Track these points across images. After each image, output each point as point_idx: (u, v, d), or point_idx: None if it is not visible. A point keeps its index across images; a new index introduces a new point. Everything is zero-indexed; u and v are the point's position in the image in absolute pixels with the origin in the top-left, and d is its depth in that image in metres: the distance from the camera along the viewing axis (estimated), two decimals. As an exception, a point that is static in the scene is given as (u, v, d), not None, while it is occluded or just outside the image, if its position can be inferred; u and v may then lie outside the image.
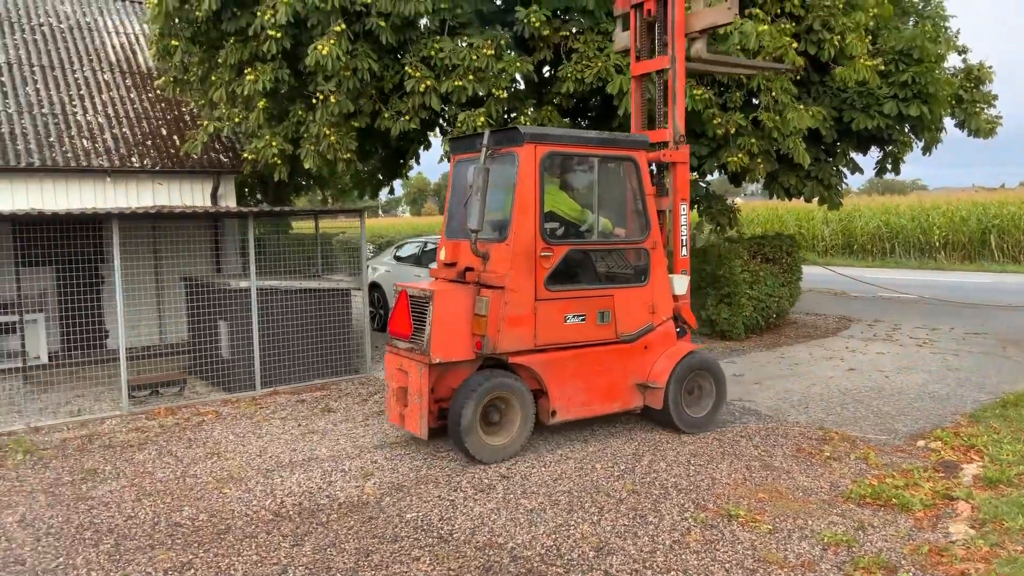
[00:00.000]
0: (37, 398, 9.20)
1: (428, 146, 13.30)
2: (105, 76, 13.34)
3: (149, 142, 12.54)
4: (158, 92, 13.42)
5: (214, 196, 12.86)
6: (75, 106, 12.47)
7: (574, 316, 6.74)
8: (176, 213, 9.63)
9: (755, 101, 10.66)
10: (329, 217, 14.01)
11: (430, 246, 13.70)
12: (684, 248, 7.64)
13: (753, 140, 10.60)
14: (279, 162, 10.83)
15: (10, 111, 11.82)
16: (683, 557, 4.74)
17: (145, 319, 11.79)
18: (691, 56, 7.72)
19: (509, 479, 6.09)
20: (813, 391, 8.73)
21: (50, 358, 10.95)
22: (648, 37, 8.06)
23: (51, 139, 11.73)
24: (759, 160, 10.82)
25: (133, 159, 12.10)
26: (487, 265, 6.51)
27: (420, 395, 6.46)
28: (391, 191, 16.41)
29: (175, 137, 12.87)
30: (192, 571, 4.65)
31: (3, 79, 12.29)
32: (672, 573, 4.55)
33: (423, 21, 10.20)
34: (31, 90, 12.33)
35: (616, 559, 4.71)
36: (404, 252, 14.40)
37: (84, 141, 11.96)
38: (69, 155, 11.62)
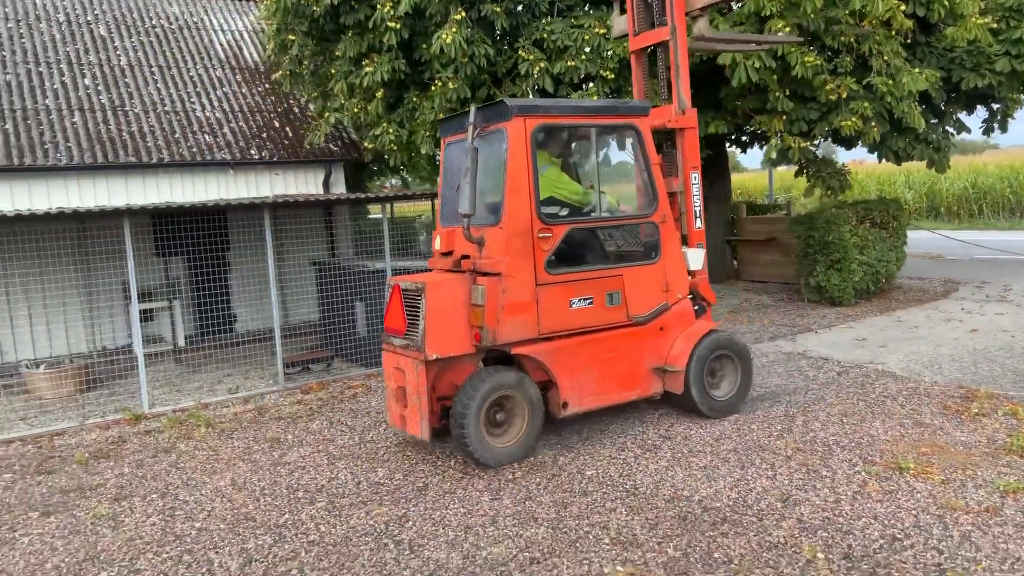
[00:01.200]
0: (190, 378, 9.85)
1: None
2: (216, 73, 13.97)
3: (264, 135, 13.13)
4: (267, 86, 14.02)
5: (326, 184, 13.41)
6: (193, 103, 13.11)
7: (580, 300, 6.28)
8: (304, 201, 10.14)
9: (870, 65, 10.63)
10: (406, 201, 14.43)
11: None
12: (698, 220, 7.13)
13: (866, 104, 10.61)
14: (395, 148, 11.27)
15: (136, 110, 12.52)
16: (868, 506, 4.99)
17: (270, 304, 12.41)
18: (693, 35, 7.32)
19: (671, 439, 6.41)
20: (942, 352, 8.80)
21: (186, 342, 11.66)
22: (647, 17, 7.43)
23: (176, 135, 12.39)
24: (872, 124, 10.82)
25: (252, 151, 12.70)
26: (483, 251, 6.10)
27: (419, 395, 6.02)
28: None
29: (287, 129, 13.44)
30: (409, 522, 5.10)
31: (127, 80, 13.01)
32: (863, 519, 4.80)
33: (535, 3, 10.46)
34: (152, 89, 13.02)
35: (805, 508, 4.99)
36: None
37: (206, 136, 12.60)
38: (194, 150, 12.27)
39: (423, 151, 10.97)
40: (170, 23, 14.62)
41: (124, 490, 6.03)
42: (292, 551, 4.81)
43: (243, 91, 13.81)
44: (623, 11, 7.80)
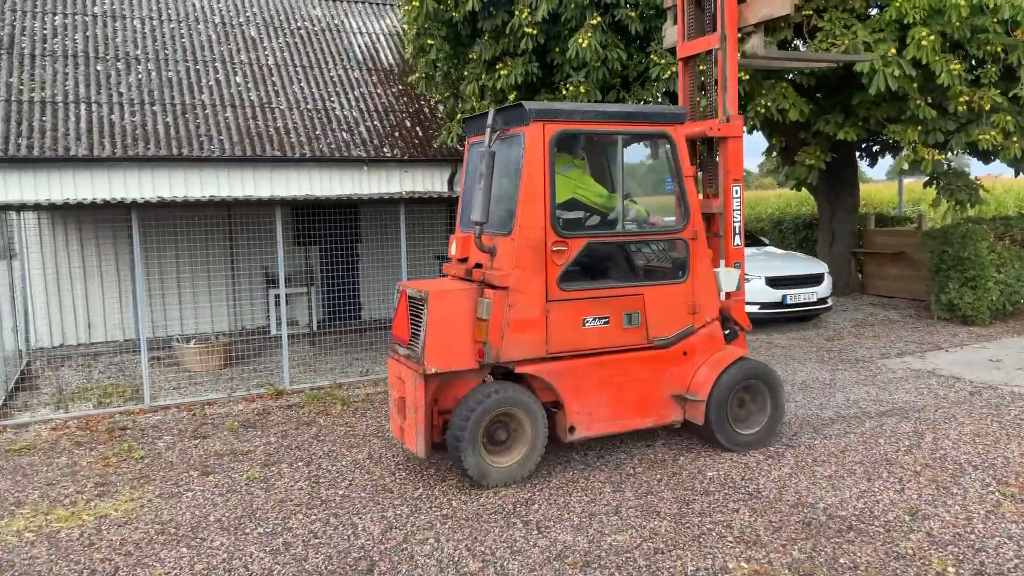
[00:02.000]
0: (323, 360, 10.48)
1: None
2: (354, 74, 14.72)
3: (396, 134, 13.76)
4: (400, 87, 14.66)
5: (450, 182, 13.91)
6: (332, 102, 13.88)
7: (595, 319, 5.90)
8: (432, 197, 10.59)
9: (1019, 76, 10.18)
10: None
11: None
12: (737, 236, 6.58)
13: (1008, 117, 10.16)
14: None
15: (282, 107, 13.37)
16: (1003, 526, 4.89)
17: (394, 294, 13.02)
18: (746, 52, 6.86)
19: (795, 448, 6.41)
20: (1088, 379, 8.36)
21: (317, 326, 12.37)
22: (697, 25, 7.02)
23: (316, 132, 13.16)
24: (1015, 139, 10.34)
25: (385, 149, 13.33)
26: (494, 262, 5.79)
27: (416, 408, 5.75)
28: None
29: (417, 129, 14.02)
30: (535, 505, 5.35)
31: (274, 79, 13.90)
32: (996, 539, 4.72)
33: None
34: (296, 88, 13.86)
35: (934, 523, 4.94)
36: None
37: (343, 133, 13.32)
38: (333, 146, 13.00)
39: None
40: (313, 25, 15.50)
41: (272, 457, 6.57)
42: (428, 522, 5.15)
43: (378, 91, 14.49)
44: (676, 21, 7.33)
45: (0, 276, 9.86)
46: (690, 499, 5.42)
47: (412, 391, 5.79)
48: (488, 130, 5.77)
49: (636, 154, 6.55)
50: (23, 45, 12.92)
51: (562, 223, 5.86)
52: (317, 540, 4.93)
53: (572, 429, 5.91)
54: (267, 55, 14.38)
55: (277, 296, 12.34)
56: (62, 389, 8.93)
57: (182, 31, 14.23)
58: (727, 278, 6.46)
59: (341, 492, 5.71)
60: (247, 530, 5.10)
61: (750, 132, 12.37)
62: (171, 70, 13.38)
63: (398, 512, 5.32)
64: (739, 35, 6.69)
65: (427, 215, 13.62)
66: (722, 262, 6.64)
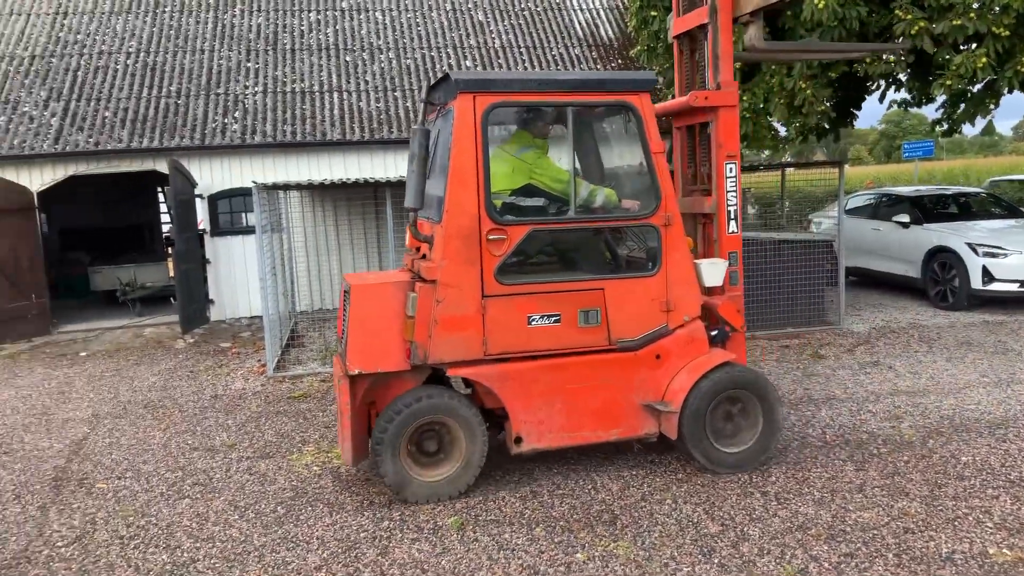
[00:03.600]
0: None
1: (900, 87, 12.67)
2: (574, 51, 15.01)
3: (617, 107, 13.90)
4: (620, 62, 14.76)
5: (668, 157, 13.83)
6: (555, 79, 14.28)
7: (543, 317, 5.17)
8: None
9: None
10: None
11: (885, 199, 13.22)
12: (732, 222, 5.71)
13: None
14: (747, 116, 11.32)
15: (508, 87, 13.96)
16: None
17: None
18: (744, 45, 6.16)
19: (1064, 436, 5.88)
20: None
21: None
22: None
23: (540, 109, 13.62)
24: None
25: (606, 123, 13.54)
26: (430, 252, 5.19)
27: (341, 412, 5.29)
28: (836, 139, 15.98)
29: (638, 101, 14.07)
30: (773, 477, 5.37)
31: (500, 61, 14.54)
32: None
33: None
34: (520, 69, 14.40)
35: None
36: (854, 204, 14.02)
37: (566, 109, 13.68)
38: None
39: (776, 116, 10.90)
40: (536, 6, 15.98)
41: (511, 415, 7.05)
42: (664, 484, 5.35)
43: (597, 67, 14.69)
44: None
45: (274, 247, 11.27)
46: (942, 483, 5.18)
47: (338, 393, 5.38)
48: (423, 106, 5.35)
49: (588, 131, 5.78)
50: (284, 41, 14.51)
51: (501, 209, 5.18)
52: (560, 491, 5.30)
53: (519, 440, 5.27)
54: (494, 38, 15.05)
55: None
56: (327, 346, 10.09)
57: (418, 20, 15.26)
58: (710, 271, 5.59)
59: (577, 451, 6.06)
60: (497, 476, 5.58)
61: (1009, 91, 11.16)
62: (408, 58, 14.42)
63: (634, 473, 5.56)
64: (735, 24, 5.94)
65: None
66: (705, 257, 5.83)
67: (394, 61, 14.32)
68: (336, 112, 13.17)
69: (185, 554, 4.64)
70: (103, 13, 14.58)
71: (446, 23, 15.30)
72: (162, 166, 11.78)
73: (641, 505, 5.05)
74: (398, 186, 9.80)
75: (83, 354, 10.63)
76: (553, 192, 5.40)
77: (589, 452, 5.93)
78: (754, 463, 5.49)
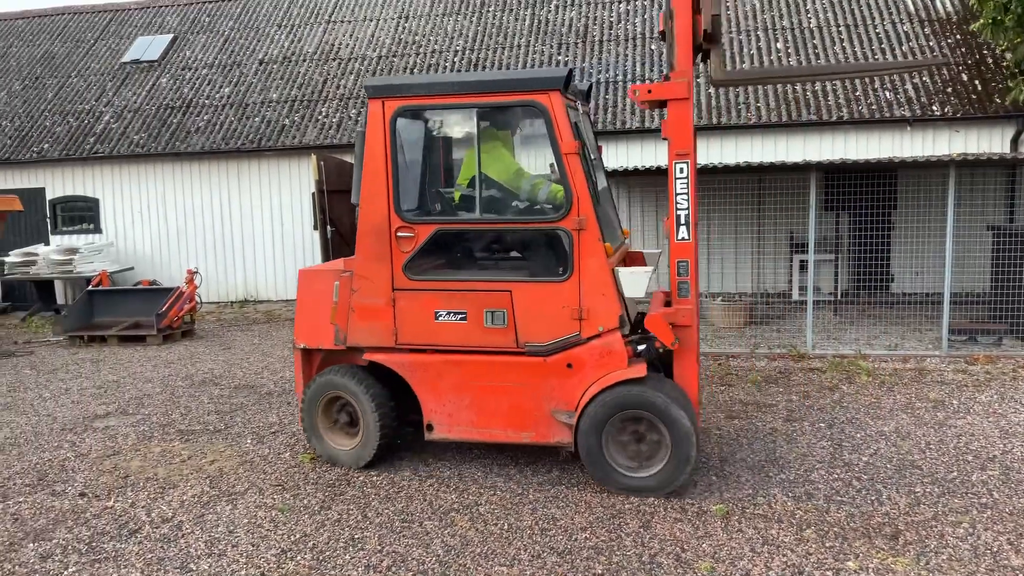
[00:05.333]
0: (846, 329, 10.23)
1: None
2: (903, 28, 13.65)
3: (949, 89, 12.43)
4: (958, 37, 13.16)
5: (1014, 142, 12.08)
6: (878, 59, 13.13)
7: (449, 313, 5.34)
8: (989, 160, 9.36)
9: None
10: None
11: None
12: (683, 228, 5.12)
13: None
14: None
15: (820, 71, 13.13)
16: None
17: (931, 267, 11.94)
18: (711, 78, 5.48)
19: None
20: None
21: (842, 294, 12.03)
22: None
23: (856, 93, 12.64)
24: None
25: (934, 107, 12.19)
26: None
27: (295, 382, 6.05)
28: None
29: (976, 83, 12.45)
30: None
31: (815, 41, 13.71)
32: None
33: None
34: (838, 48, 13.46)
35: None
36: None
37: (886, 92, 12.54)
38: (873, 107, 12.36)
39: None
40: (860, -19, 14.76)
41: (793, 414, 6.78)
42: (962, 507, 4.82)
43: (929, 44, 13.22)
44: None
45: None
46: None
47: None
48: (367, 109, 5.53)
49: (492, 133, 5.61)
50: (594, 33, 15.03)
51: (408, 207, 5.47)
52: (839, 497, 5.01)
53: (430, 427, 5.54)
54: (809, 17, 14.22)
55: (801, 261, 12.38)
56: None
57: (728, 4, 14.89)
58: (631, 281, 5.18)
59: (864, 459, 5.66)
60: (770, 473, 5.43)
61: None
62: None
63: (927, 491, 5.08)
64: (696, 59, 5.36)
65: (981, 180, 12.10)
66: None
67: (699, 47, 14.16)
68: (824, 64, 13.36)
69: (470, 497, 5.17)
70: (437, 15, 16.24)
71: (757, 4, 14.75)
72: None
73: (931, 524, 4.61)
74: (704, 173, 9.77)
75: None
76: (501, 183, 5.54)
77: (882, 461, 5.53)
78: (660, 491, 5.08)
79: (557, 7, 15.76)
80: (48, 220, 15.26)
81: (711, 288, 12.71)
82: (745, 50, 13.83)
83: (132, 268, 14.74)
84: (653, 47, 14.37)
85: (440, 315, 5.41)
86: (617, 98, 13.52)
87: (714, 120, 12.68)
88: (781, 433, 6.27)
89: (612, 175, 11.49)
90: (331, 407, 5.85)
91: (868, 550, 4.33)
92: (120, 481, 5.68)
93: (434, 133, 6.02)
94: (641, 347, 5.19)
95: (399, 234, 5.40)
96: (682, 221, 5.16)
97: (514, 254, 5.80)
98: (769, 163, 10.29)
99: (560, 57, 14.62)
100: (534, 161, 6.30)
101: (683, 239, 5.18)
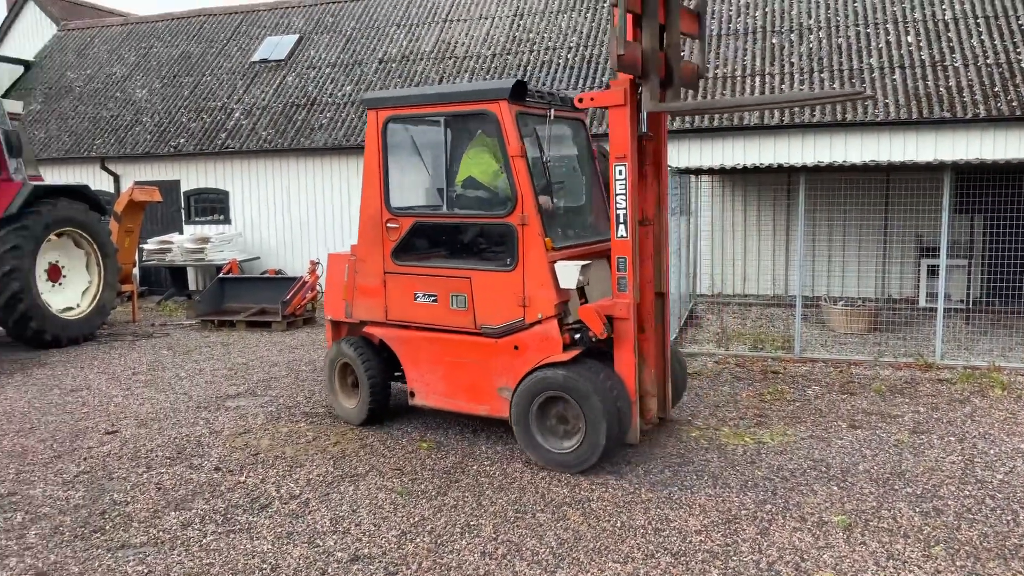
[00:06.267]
0: (978, 339, 9.66)
1: None
2: (1051, 18, 12.72)
3: (1103, 84, 11.51)
4: (1115, 27, 12.16)
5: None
6: (1020, 53, 12.30)
7: (424, 295, 6.19)
8: None
9: None
10: None
11: None
12: (621, 226, 5.47)
13: None
14: None
15: (956, 64, 12.42)
16: None
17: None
18: (648, 107, 5.54)
19: None
20: None
21: (974, 302, 11.35)
22: None
23: (995, 89, 11.88)
24: None
25: (1084, 104, 11.31)
26: None
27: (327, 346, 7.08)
28: None
29: None
30: None
31: (950, 34, 12.97)
32: None
33: None
34: (975, 42, 12.68)
35: None
36: None
37: (1030, 88, 11.73)
38: (1014, 103, 11.58)
39: None
40: (1003, -31, 13.85)
41: (921, 426, 6.47)
42: (1113, 534, 4.50)
43: (1082, 36, 12.28)
44: None
45: (680, 230, 11.66)
46: None
47: None
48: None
49: (461, 136, 6.47)
50: (711, 28, 14.71)
51: (396, 202, 6.30)
52: (971, 515, 4.77)
53: (412, 394, 6.40)
54: (943, 9, 13.46)
55: (930, 266, 11.75)
56: (724, 330, 10.21)
57: (853, -4, 14.29)
58: (564, 273, 5.56)
59: (999, 476, 5.35)
60: (896, 487, 5.21)
61: None
62: (841, 36, 13.63)
63: (1072, 513, 4.76)
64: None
65: None
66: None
67: (824, 41, 13.65)
68: (756, 96, 13.04)
69: (582, 492, 5.21)
70: (552, 12, 16.30)
71: (887, -3, 14.08)
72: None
73: (1076, 550, 4.32)
74: (813, 171, 9.44)
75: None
76: (485, 183, 6.13)
77: (1019, 480, 5.23)
78: (577, 467, 5.49)
79: (674, 2, 15.50)
80: (183, 211, 16.27)
81: (831, 292, 12.25)
82: (873, 44, 13.24)
83: (258, 258, 15.53)
84: (774, 40, 13.96)
85: (418, 296, 6.23)
86: (735, 93, 13.21)
87: (839, 117, 12.21)
88: (907, 445, 6.01)
89: (719, 172, 11.25)
90: (344, 372, 6.82)
91: (1003, 572, 4.11)
92: (251, 458, 6.03)
93: (416, 138, 6.68)
94: (577, 335, 5.63)
95: (388, 225, 6.29)
96: (621, 220, 5.49)
97: (474, 246, 6.37)
98: (899, 162, 9.84)
99: (676, 53, 14.39)
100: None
101: (622, 236, 5.50)
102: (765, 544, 4.46)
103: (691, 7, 6.23)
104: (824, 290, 12.18)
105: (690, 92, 12.59)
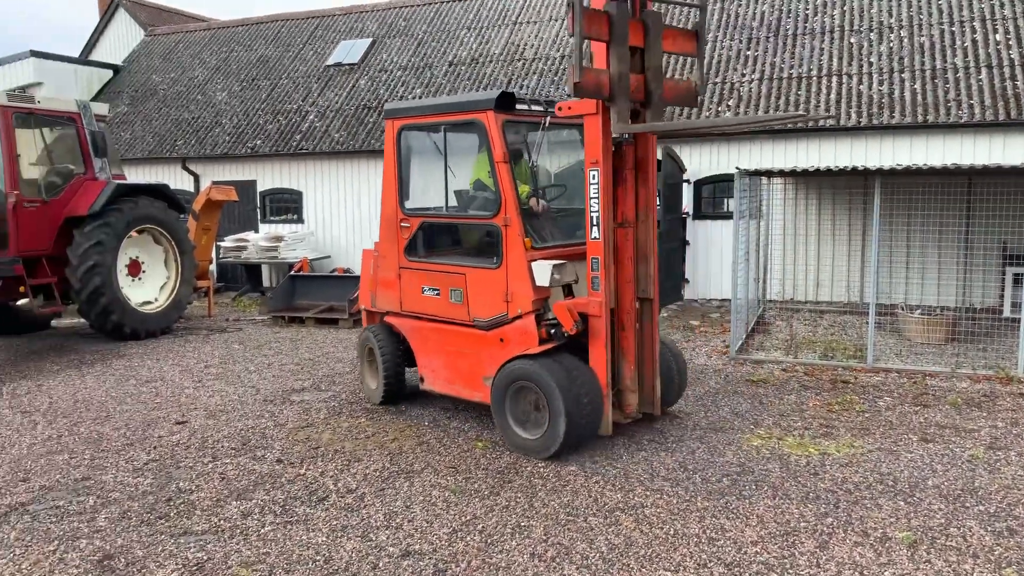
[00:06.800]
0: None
1: None
2: None
3: None
4: None
5: None
6: (1120, 50, 11.59)
7: (430, 289, 6.67)
8: None
9: None
10: None
11: None
12: (595, 228, 5.69)
13: None
14: None
15: (1049, 63, 11.78)
16: None
17: None
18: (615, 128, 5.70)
19: None
20: None
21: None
22: None
23: (1092, 88, 11.23)
24: None
25: None
26: None
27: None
28: None
29: None
30: None
31: (1043, 32, 12.32)
32: None
33: None
34: None
35: None
36: None
37: None
38: (1113, 104, 10.93)
39: None
40: (1103, -38, 13.08)
41: (998, 441, 6.16)
42: None
43: None
44: None
45: (750, 233, 11.40)
46: None
47: None
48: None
49: (460, 143, 6.89)
50: (787, 26, 14.36)
51: (407, 203, 6.91)
52: (1049, 538, 4.51)
53: (422, 379, 6.98)
54: (1036, 5, 12.80)
55: (1015, 275, 11.17)
56: (793, 337, 9.94)
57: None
58: (538, 272, 5.96)
59: None
60: (967, 504, 4.97)
61: None
62: (923, 35, 13.11)
63: None
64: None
65: None
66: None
67: (905, 40, 13.15)
68: (832, 96, 12.65)
69: (636, 498, 5.14)
70: (622, 13, 16.15)
71: (974, -7, 13.47)
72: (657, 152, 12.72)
73: None
74: (889, 175, 9.09)
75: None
76: (491, 186, 6.34)
77: (1099, 502, 4.92)
78: (542, 453, 5.79)
79: (748, 0, 15.20)
80: (258, 210, 16.77)
81: (908, 300, 11.79)
82: (958, 42, 12.68)
83: (328, 256, 15.88)
84: (852, 40, 13.52)
85: (425, 290, 6.76)
86: (810, 94, 12.85)
87: (919, 118, 11.74)
88: (982, 461, 5.72)
89: (792, 175, 10.95)
90: (371, 355, 7.38)
91: (1084, 600, 3.87)
92: (312, 451, 6.16)
93: (424, 145, 7.11)
94: (553, 330, 5.94)
95: (402, 224, 6.92)
96: (594, 222, 5.74)
97: (468, 245, 6.88)
98: (982, 166, 9.40)
99: (749, 52, 14.11)
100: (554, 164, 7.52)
101: (595, 238, 5.75)
102: (824, 558, 4.31)
103: (688, 27, 6.54)
104: (901, 298, 11.72)
105: (686, 109, 12.32)
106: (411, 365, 7.21)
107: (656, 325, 6.23)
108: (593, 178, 5.73)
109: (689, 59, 13.63)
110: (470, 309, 6.38)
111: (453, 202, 6.87)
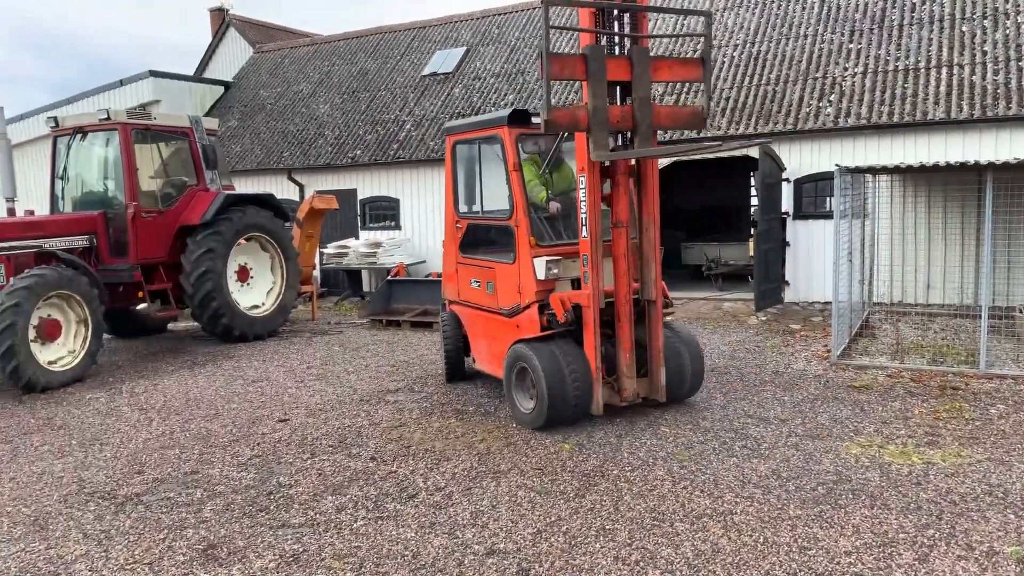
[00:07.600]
0: None
1: None
2: None
3: None
4: None
5: None
6: None
7: (475, 281, 7.65)
8: None
9: None
10: None
11: None
12: (584, 228, 6.41)
13: None
14: None
15: None
16: None
17: None
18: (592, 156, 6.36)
19: None
20: None
21: None
22: None
23: None
24: None
25: None
26: None
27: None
28: None
29: None
30: None
31: None
32: None
33: None
34: None
35: None
36: None
37: None
38: None
39: None
40: None
41: None
42: None
43: None
44: None
45: (854, 233, 10.95)
46: None
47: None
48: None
49: (476, 156, 7.82)
50: (892, 17, 13.74)
51: (460, 208, 7.95)
52: None
53: (474, 360, 8.06)
54: None
55: None
56: (900, 341, 9.49)
57: None
58: (539, 267, 6.68)
59: None
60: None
61: None
62: (1045, 19, 12.26)
63: None
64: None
65: None
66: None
67: (1023, 27, 12.35)
68: (942, 88, 12.02)
69: (725, 504, 5.04)
70: (717, 10, 15.85)
71: (1102, -27, 12.52)
72: (754, 151, 12.40)
73: None
74: (1002, 169, 8.56)
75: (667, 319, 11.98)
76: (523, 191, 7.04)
77: None
78: (533, 423, 6.65)
79: (850, -7, 14.62)
80: (359, 217, 17.32)
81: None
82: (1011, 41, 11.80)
83: (424, 261, 16.24)
84: (964, 28, 12.81)
85: (473, 282, 7.72)
86: (918, 87, 12.25)
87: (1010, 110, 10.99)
88: (1107, 475, 5.32)
89: (897, 171, 10.46)
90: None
91: None
92: (404, 450, 6.33)
93: (469, 156, 7.95)
94: (551, 319, 6.62)
95: (457, 225, 7.95)
96: (583, 223, 6.41)
97: (497, 243, 7.52)
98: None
99: (851, 45, 13.58)
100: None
101: (584, 237, 6.42)
102: (922, 571, 4.12)
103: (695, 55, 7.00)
104: (1019, 300, 11.00)
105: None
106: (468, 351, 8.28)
107: (659, 322, 6.79)
108: (581, 183, 6.47)
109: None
110: (499, 299, 7.27)
111: (488, 206, 7.70)
